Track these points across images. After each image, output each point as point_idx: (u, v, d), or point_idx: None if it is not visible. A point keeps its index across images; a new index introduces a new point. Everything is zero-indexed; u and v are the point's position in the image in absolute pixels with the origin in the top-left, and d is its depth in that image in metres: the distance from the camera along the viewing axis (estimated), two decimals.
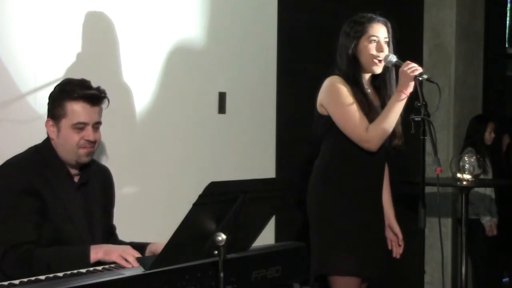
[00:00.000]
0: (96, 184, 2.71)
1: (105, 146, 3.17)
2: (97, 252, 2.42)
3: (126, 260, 2.36)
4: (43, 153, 2.60)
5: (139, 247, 2.63)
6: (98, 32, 3.22)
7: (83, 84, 2.59)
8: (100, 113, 2.63)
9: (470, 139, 5.06)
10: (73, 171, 2.63)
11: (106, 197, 2.77)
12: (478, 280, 5.13)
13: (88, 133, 2.57)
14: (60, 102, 2.56)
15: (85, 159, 2.61)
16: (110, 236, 2.78)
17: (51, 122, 2.59)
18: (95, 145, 2.62)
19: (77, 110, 2.55)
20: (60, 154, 2.59)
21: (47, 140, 2.63)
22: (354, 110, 3.02)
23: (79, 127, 2.56)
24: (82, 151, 2.58)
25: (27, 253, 2.41)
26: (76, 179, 2.64)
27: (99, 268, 2.29)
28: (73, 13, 3.10)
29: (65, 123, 2.56)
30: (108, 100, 2.65)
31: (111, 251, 2.41)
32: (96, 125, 2.61)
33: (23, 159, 2.57)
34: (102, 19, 3.21)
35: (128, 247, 2.46)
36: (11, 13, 2.89)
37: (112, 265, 2.35)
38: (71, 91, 2.55)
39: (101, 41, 3.24)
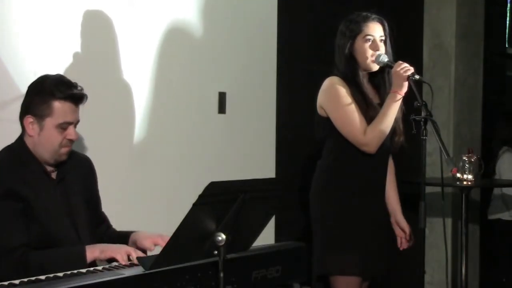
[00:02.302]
0: (74, 177, 2.68)
1: (104, 145, 3.17)
2: (93, 251, 2.43)
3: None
4: (17, 153, 2.57)
5: (123, 236, 2.69)
6: (98, 31, 3.22)
7: (64, 82, 2.57)
8: (79, 111, 2.62)
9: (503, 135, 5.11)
10: (50, 168, 2.61)
11: (87, 187, 2.75)
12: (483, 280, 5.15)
13: (71, 132, 2.56)
14: (46, 101, 2.53)
15: (63, 158, 2.60)
16: (99, 225, 2.78)
17: (31, 119, 2.55)
18: (73, 143, 2.62)
19: (64, 110, 2.54)
20: (37, 152, 2.56)
21: (21, 139, 2.60)
22: (352, 112, 3.03)
23: (64, 126, 2.55)
24: (64, 150, 2.58)
25: (23, 256, 2.40)
26: (53, 175, 2.62)
27: (99, 268, 2.29)
28: (73, 12, 3.10)
29: (49, 122, 2.53)
30: (86, 97, 2.62)
31: (108, 249, 2.43)
32: (77, 124, 2.61)
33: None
34: (102, 18, 3.21)
35: (124, 245, 2.48)
36: (11, 13, 2.89)
37: (112, 265, 2.35)
38: (56, 90, 2.53)
39: (101, 41, 3.24)
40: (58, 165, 2.63)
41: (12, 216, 2.45)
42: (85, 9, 3.14)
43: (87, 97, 2.63)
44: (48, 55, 3.01)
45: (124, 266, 2.33)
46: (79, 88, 2.59)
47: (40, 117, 2.54)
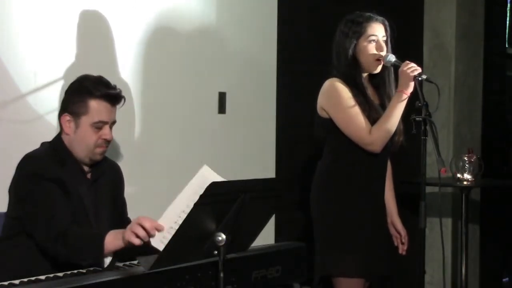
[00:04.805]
0: (105, 181, 2.71)
1: None
2: (116, 237, 2.36)
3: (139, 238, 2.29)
4: (57, 150, 2.60)
5: None
6: (98, 31, 3.22)
7: (102, 81, 2.61)
8: (116, 112, 2.65)
9: None
10: (86, 168, 2.65)
11: (115, 193, 2.77)
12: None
13: (106, 132, 2.59)
14: (83, 99, 2.56)
15: (98, 158, 2.63)
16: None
17: (68, 117, 2.59)
18: (109, 144, 2.65)
19: (100, 108, 2.57)
20: (74, 150, 2.60)
21: (59, 137, 2.63)
22: (356, 113, 3.02)
23: (99, 126, 2.57)
24: (98, 150, 2.60)
25: (66, 228, 2.41)
26: (88, 176, 2.66)
27: (99, 268, 2.29)
28: (73, 12, 3.10)
29: (85, 120, 2.56)
30: (125, 99, 2.66)
31: (124, 232, 2.34)
32: (112, 124, 2.64)
33: (45, 153, 2.57)
34: (102, 18, 3.21)
35: (138, 218, 2.35)
36: (11, 13, 2.89)
37: (112, 265, 2.35)
38: (94, 89, 2.56)
39: (101, 41, 3.24)
40: (93, 166, 2.65)
41: (57, 196, 2.47)
42: (84, 9, 3.14)
43: (125, 99, 2.66)
44: (48, 55, 3.01)
45: (124, 266, 2.33)
46: (117, 90, 2.63)
47: (76, 115, 2.57)
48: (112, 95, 2.60)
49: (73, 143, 2.59)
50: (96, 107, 2.56)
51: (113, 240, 2.35)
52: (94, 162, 2.64)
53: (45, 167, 2.49)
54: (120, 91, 2.65)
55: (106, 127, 2.60)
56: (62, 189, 2.50)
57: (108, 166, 2.77)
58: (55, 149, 2.60)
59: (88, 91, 2.56)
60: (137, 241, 2.26)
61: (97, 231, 2.51)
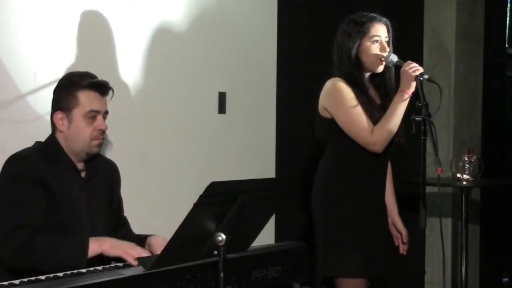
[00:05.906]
0: (100, 180, 2.70)
1: (104, 146, 3.17)
2: (101, 243, 2.40)
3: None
4: (50, 149, 2.59)
5: (141, 238, 2.65)
6: (98, 31, 3.22)
7: (87, 73, 2.63)
8: (106, 103, 2.66)
9: None
10: (79, 166, 2.63)
11: (110, 191, 2.76)
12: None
13: (100, 122, 2.60)
14: (71, 92, 2.57)
15: (95, 150, 2.63)
16: (119, 228, 2.78)
17: (60, 115, 2.59)
18: (105, 135, 2.64)
19: (90, 98, 2.58)
20: (70, 146, 2.59)
21: (52, 136, 2.63)
22: (358, 113, 3.02)
23: (92, 115, 2.58)
24: (95, 142, 2.60)
25: (29, 235, 2.38)
26: (82, 174, 2.65)
27: (99, 268, 2.29)
28: (73, 12, 3.10)
29: (77, 112, 2.57)
30: (113, 91, 2.68)
31: (119, 246, 2.40)
32: (105, 114, 2.64)
33: (33, 152, 2.56)
34: (101, 18, 3.21)
35: (134, 245, 2.44)
36: (11, 13, 2.89)
37: (112, 265, 2.35)
38: (80, 81, 2.57)
39: (101, 41, 3.24)
40: (87, 163, 2.64)
41: (34, 201, 2.45)
42: (84, 9, 3.14)
43: (113, 91, 2.68)
44: (48, 55, 3.00)
45: (124, 266, 2.33)
46: (105, 81, 2.65)
47: (68, 110, 2.58)
48: (99, 83, 2.61)
49: (68, 139, 2.59)
50: (86, 97, 2.57)
51: (98, 246, 2.40)
52: (91, 156, 2.63)
53: (28, 168, 2.47)
54: (108, 82, 2.66)
55: (99, 118, 2.60)
56: (45, 190, 2.47)
57: (103, 164, 2.77)
58: (47, 148, 2.59)
59: (75, 84, 2.58)
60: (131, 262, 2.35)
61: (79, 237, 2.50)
